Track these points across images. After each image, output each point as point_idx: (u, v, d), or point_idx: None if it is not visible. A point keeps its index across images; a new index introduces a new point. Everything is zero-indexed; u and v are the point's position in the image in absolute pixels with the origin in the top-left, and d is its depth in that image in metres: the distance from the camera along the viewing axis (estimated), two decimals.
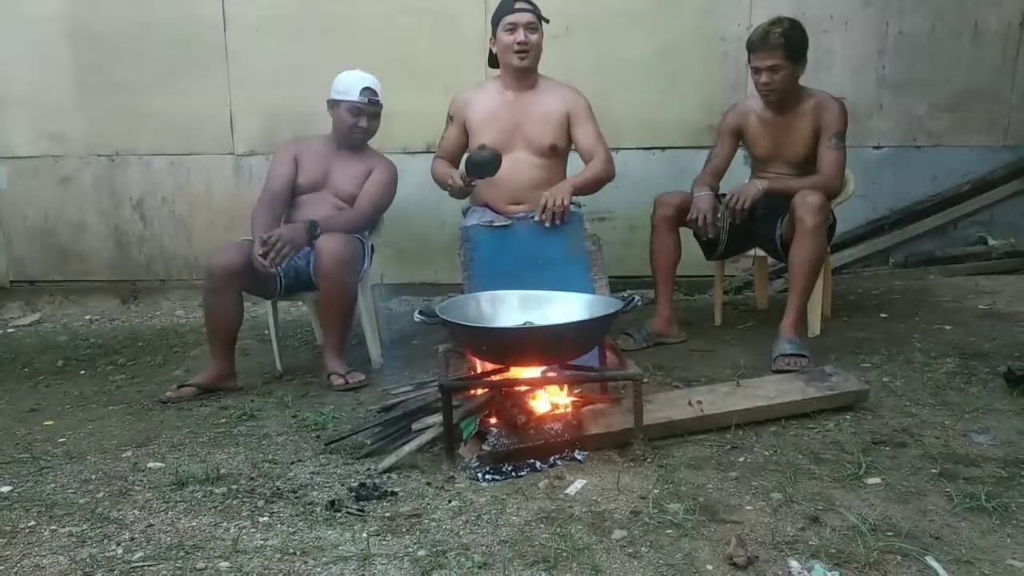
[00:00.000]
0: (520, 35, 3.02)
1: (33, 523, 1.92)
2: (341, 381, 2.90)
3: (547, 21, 3.11)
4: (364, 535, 1.78)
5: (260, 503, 1.98)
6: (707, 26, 4.07)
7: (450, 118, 3.23)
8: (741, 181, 3.24)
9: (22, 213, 4.42)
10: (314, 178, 3.21)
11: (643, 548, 1.68)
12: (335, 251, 2.89)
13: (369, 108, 3.18)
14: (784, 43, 2.95)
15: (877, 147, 4.19)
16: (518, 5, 3.04)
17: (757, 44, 2.99)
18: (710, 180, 3.20)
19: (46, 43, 4.21)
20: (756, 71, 3.03)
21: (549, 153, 3.11)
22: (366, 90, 3.15)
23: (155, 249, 4.44)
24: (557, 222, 2.85)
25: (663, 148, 4.15)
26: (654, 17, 4.06)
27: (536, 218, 2.88)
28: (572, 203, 3.17)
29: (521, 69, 3.07)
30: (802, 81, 3.10)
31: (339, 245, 2.91)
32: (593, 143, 3.13)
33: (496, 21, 3.09)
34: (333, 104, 3.20)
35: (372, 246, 3.27)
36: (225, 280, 2.87)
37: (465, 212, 3.26)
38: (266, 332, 3.40)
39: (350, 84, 3.16)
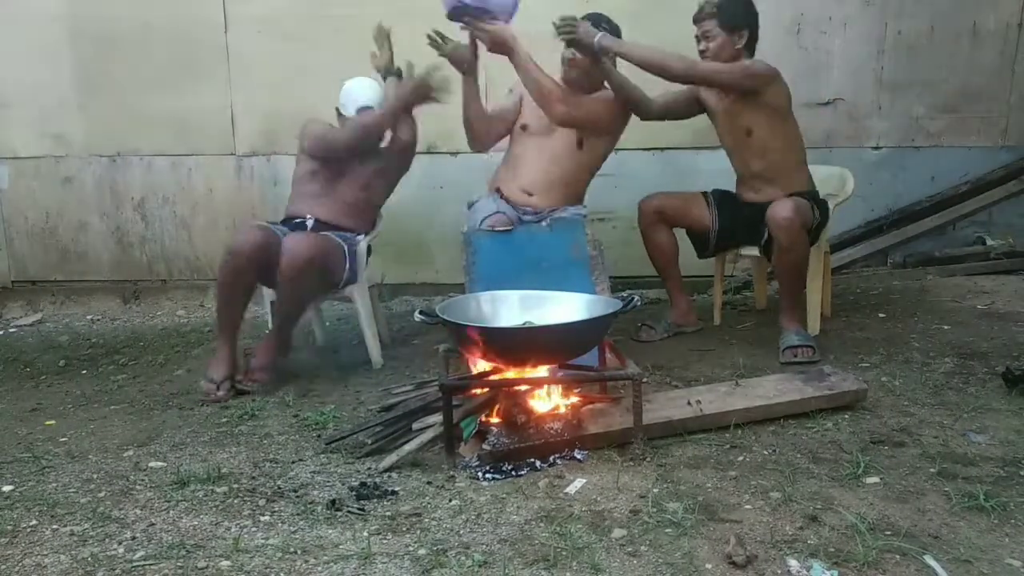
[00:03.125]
0: (567, 52, 3.08)
1: (35, 522, 1.93)
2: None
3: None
4: (365, 534, 1.79)
5: (261, 502, 1.99)
6: None
7: (510, 91, 3.26)
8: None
9: (24, 213, 4.43)
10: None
11: (642, 547, 1.69)
12: (299, 253, 2.83)
13: None
14: (717, 12, 3.06)
15: (876, 148, 4.19)
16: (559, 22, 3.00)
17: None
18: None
19: (48, 43, 4.21)
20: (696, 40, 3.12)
21: (578, 143, 3.10)
22: (362, 110, 3.13)
23: (156, 249, 4.44)
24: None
25: (663, 148, 4.16)
26: (654, 17, 4.06)
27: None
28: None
29: (567, 80, 3.11)
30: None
31: (304, 248, 2.85)
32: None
33: None
34: (339, 114, 3.21)
35: (369, 246, 3.26)
36: (246, 260, 2.85)
37: (471, 205, 3.23)
38: (266, 332, 3.40)
39: (348, 99, 3.17)
